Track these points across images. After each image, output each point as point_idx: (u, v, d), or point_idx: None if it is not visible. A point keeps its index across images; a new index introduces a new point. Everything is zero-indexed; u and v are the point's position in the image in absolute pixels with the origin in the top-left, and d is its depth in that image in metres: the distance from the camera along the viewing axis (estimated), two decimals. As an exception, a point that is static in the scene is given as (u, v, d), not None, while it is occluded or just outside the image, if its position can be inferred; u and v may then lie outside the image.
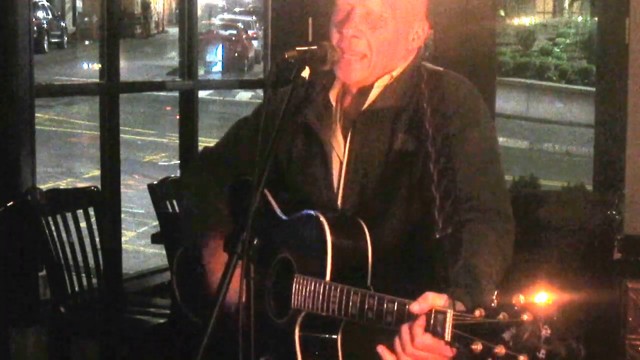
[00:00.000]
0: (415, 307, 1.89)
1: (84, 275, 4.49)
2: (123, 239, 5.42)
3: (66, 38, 25.06)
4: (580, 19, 23.10)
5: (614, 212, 4.47)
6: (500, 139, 2.36)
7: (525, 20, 23.41)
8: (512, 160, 11.30)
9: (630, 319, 3.91)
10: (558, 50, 20.13)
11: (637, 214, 4.18)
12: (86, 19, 27.33)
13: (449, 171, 2.15)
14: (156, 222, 4.97)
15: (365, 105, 2.28)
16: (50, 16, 24.21)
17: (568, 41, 20.88)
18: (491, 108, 5.12)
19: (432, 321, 1.86)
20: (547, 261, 4.67)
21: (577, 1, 24.63)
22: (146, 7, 30.50)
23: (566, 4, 25.87)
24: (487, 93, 5.09)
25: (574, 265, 4.65)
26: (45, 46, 22.91)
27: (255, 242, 2.00)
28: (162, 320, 4.50)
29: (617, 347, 3.97)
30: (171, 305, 4.57)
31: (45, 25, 23.26)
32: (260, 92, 12.41)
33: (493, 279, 2.03)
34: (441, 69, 2.33)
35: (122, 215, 5.23)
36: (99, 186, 4.96)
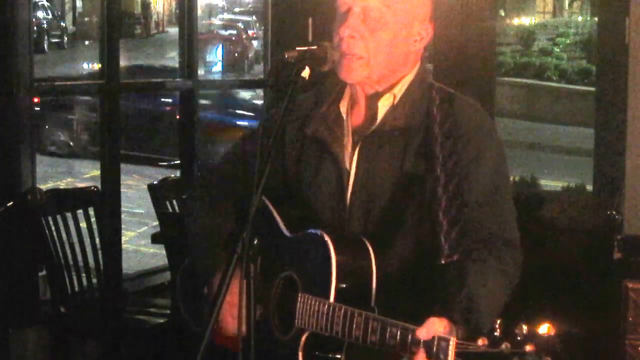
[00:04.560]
0: (423, 332, 1.89)
1: (84, 275, 4.48)
2: (123, 239, 5.42)
3: (66, 38, 25.04)
4: (580, 19, 23.13)
5: (614, 212, 4.47)
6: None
7: (525, 20, 23.43)
8: (512, 160, 11.28)
9: (630, 319, 3.91)
10: (558, 50, 20.14)
11: (637, 214, 4.18)
12: (86, 19, 27.31)
13: (458, 198, 2.13)
14: (156, 222, 4.97)
15: (374, 126, 2.25)
16: (50, 16, 24.19)
17: (568, 41, 20.89)
18: (491, 108, 5.13)
19: (434, 348, 1.86)
20: (547, 261, 4.67)
21: (577, 1, 24.65)
22: (146, 7, 30.49)
23: (566, 4, 25.89)
24: (487, 93, 5.10)
25: (574, 265, 4.64)
26: (45, 46, 22.89)
27: (255, 242, 1.99)
28: (162, 320, 4.50)
29: (617, 347, 3.96)
30: (171, 306, 4.57)
31: (45, 25, 23.24)
32: (260, 92, 12.41)
33: (495, 309, 2.05)
34: (452, 90, 2.29)
35: (122, 215, 5.23)
36: (99, 186, 4.96)
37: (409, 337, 1.92)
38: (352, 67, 2.22)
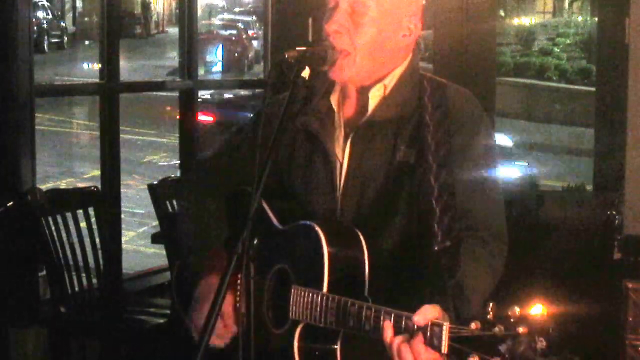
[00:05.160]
0: (420, 318, 1.89)
1: (84, 275, 4.48)
2: (123, 239, 5.42)
3: (66, 38, 25.05)
4: (580, 19, 23.13)
5: (614, 212, 4.47)
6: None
7: (525, 20, 23.45)
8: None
9: (630, 319, 3.91)
10: (558, 50, 20.15)
11: (637, 214, 4.18)
12: (86, 19, 27.34)
13: (450, 186, 2.14)
14: (156, 222, 4.97)
15: (366, 117, 2.26)
16: (50, 16, 24.20)
17: (568, 41, 20.90)
18: (491, 108, 5.13)
19: (428, 333, 1.87)
20: (547, 261, 4.67)
21: (577, 1, 24.64)
22: (146, 7, 30.50)
23: (566, 4, 25.89)
24: (487, 93, 5.10)
25: (574, 265, 4.65)
26: (45, 46, 22.90)
27: (255, 242, 1.99)
28: (162, 320, 4.50)
29: (617, 347, 3.97)
30: (171, 305, 4.57)
31: (45, 25, 23.26)
32: (260, 92, 12.43)
33: (481, 297, 2.07)
34: (444, 80, 2.30)
35: (122, 215, 5.23)
36: (99, 186, 4.96)
37: (403, 324, 1.92)
38: (340, 67, 2.22)
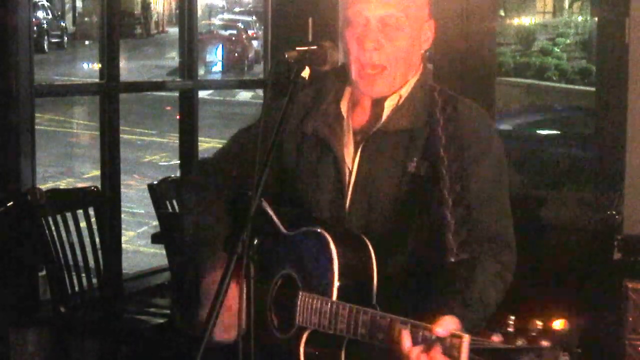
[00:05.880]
0: (440, 330, 1.89)
1: (84, 275, 4.48)
2: (123, 239, 5.42)
3: (66, 38, 25.04)
4: (580, 19, 23.14)
5: (614, 212, 4.47)
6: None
7: (525, 20, 23.44)
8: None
9: (630, 319, 3.91)
10: (558, 50, 20.16)
11: (637, 214, 4.18)
12: (86, 19, 27.33)
13: (464, 199, 2.16)
14: (156, 222, 4.96)
15: (378, 126, 2.26)
16: (50, 16, 24.20)
17: (568, 41, 20.92)
18: (491, 108, 5.13)
19: (447, 344, 1.87)
20: (547, 261, 4.67)
21: (577, 1, 24.65)
22: (146, 7, 30.51)
23: (566, 4, 25.89)
24: (487, 93, 5.10)
25: (574, 265, 4.64)
26: (45, 46, 22.89)
27: (255, 242, 1.99)
28: (162, 320, 4.49)
29: (617, 347, 3.96)
30: (171, 305, 4.57)
31: (45, 25, 23.25)
32: (260, 92, 12.41)
33: (490, 308, 2.09)
34: (454, 93, 2.32)
35: (122, 215, 5.23)
36: (99, 186, 4.96)
37: (420, 335, 1.92)
38: (375, 83, 2.24)
